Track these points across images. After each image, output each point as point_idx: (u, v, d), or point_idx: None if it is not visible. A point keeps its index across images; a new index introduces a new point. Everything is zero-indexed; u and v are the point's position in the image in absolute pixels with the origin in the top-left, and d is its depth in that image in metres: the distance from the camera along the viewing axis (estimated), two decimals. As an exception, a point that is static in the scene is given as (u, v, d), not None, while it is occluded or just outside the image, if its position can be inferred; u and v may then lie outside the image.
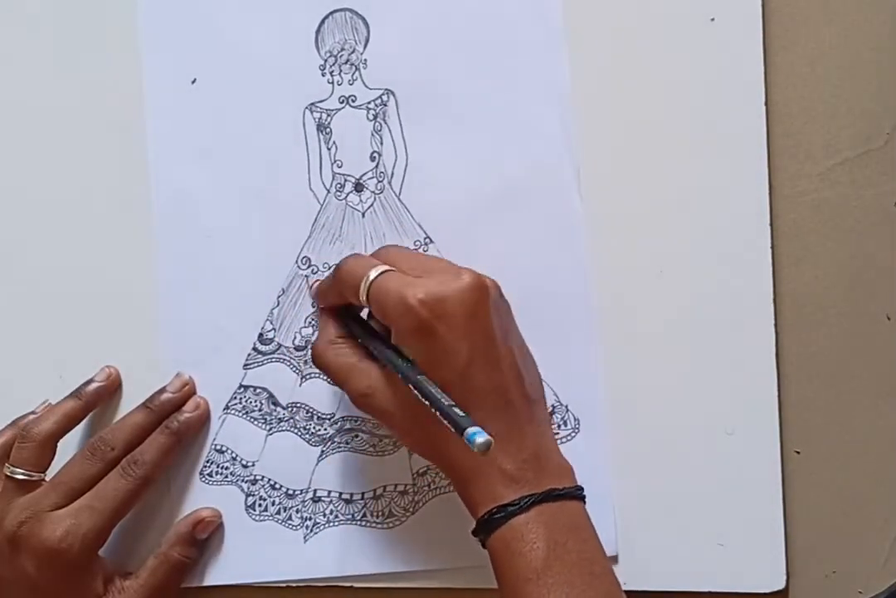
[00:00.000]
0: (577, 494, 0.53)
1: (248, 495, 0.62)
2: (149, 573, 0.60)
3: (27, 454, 0.60)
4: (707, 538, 0.57)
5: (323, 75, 0.62)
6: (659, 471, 0.58)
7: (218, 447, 0.63)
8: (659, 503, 0.58)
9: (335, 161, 0.62)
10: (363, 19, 0.62)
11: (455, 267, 0.55)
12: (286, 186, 0.62)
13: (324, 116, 0.62)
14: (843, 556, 0.57)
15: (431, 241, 0.61)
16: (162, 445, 0.60)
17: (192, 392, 0.62)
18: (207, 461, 0.63)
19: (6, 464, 0.60)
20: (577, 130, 0.59)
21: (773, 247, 0.58)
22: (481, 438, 0.48)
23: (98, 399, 0.62)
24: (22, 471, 0.60)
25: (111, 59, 0.65)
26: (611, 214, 0.59)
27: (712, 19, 0.58)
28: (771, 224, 0.58)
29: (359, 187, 0.62)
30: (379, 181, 0.62)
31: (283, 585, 0.62)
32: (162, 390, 0.62)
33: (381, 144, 0.61)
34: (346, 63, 0.62)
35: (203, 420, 0.62)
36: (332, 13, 0.62)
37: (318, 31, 0.62)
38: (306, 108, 0.62)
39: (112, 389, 0.63)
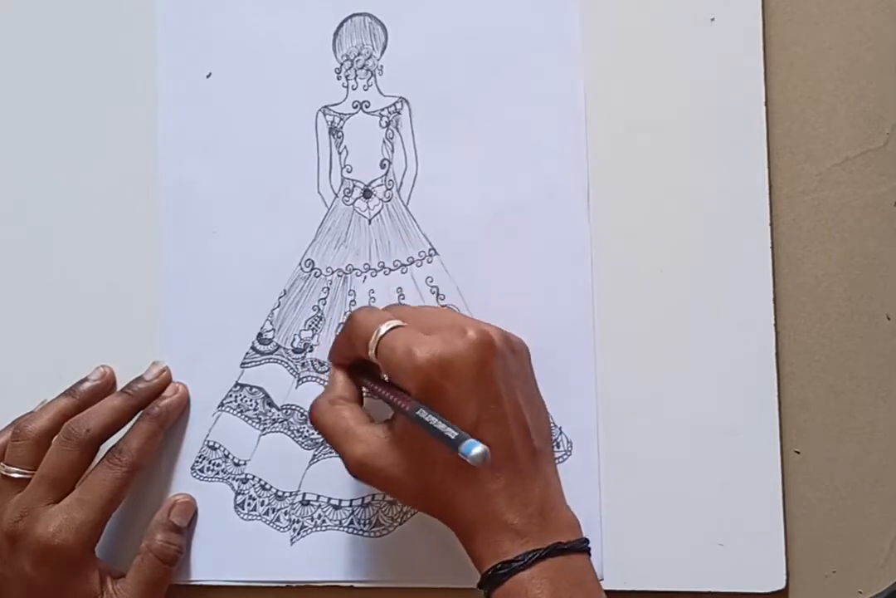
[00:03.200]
0: (582, 547, 0.53)
1: (237, 494, 0.62)
2: (135, 569, 0.60)
3: (22, 452, 0.60)
4: (707, 538, 0.57)
5: (338, 79, 0.62)
6: (659, 471, 0.58)
7: (211, 444, 0.63)
8: (659, 503, 0.58)
9: (345, 166, 0.62)
10: (382, 25, 0.62)
11: (461, 323, 0.54)
12: (294, 187, 0.62)
13: (336, 119, 0.62)
14: (843, 556, 0.57)
15: (436, 252, 0.61)
16: (144, 431, 0.60)
17: (169, 379, 0.62)
18: (199, 457, 0.63)
19: (1, 463, 0.60)
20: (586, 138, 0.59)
21: (773, 247, 0.58)
22: (477, 449, 0.48)
23: (92, 397, 0.62)
24: (17, 469, 0.60)
25: (126, 50, 0.65)
26: (611, 214, 0.59)
27: (712, 19, 0.58)
28: (771, 224, 0.58)
29: (367, 194, 0.62)
30: (387, 189, 0.62)
31: (284, 585, 0.62)
32: (140, 379, 0.62)
33: (392, 151, 0.61)
34: (362, 68, 0.62)
35: (182, 405, 0.62)
36: (351, 17, 0.62)
37: (336, 34, 0.62)
38: (319, 110, 0.62)
39: (106, 388, 0.63)
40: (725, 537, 0.57)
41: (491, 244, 0.60)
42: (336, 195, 0.62)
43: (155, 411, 0.61)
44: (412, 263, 0.61)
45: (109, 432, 0.60)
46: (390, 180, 0.61)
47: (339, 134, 0.62)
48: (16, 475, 0.60)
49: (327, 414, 0.56)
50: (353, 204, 0.62)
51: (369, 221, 0.62)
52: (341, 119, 0.62)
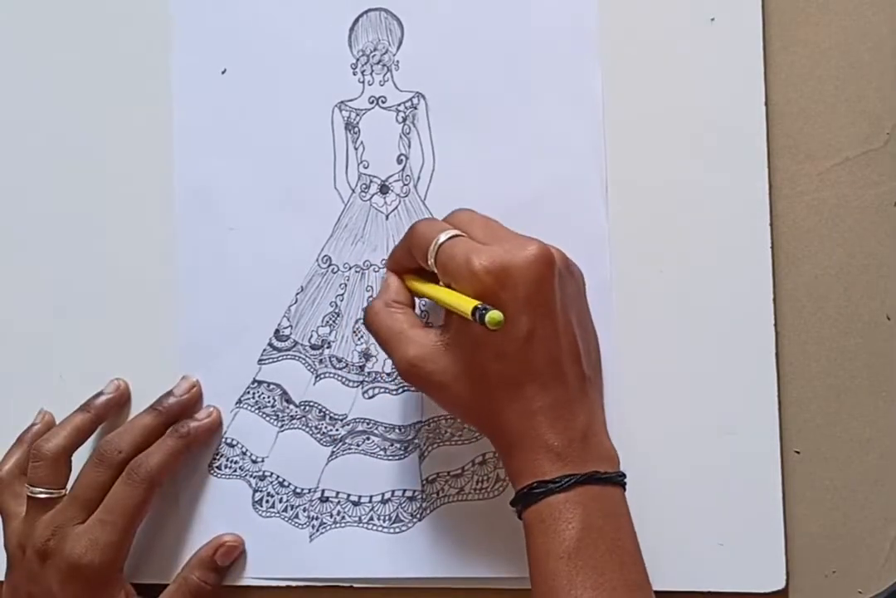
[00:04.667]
0: (618, 480, 0.53)
1: (255, 491, 0.62)
2: (168, 597, 0.60)
3: (43, 473, 0.60)
4: (707, 538, 0.57)
5: (354, 74, 0.62)
6: (659, 471, 0.58)
7: (229, 441, 0.63)
8: (659, 503, 0.58)
9: (361, 161, 0.62)
10: (398, 20, 0.62)
11: (523, 237, 0.54)
12: (311, 183, 0.63)
13: (353, 115, 0.62)
14: (843, 556, 0.57)
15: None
16: (170, 448, 0.60)
17: (199, 394, 0.62)
18: (217, 454, 0.63)
19: (25, 485, 0.60)
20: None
21: (773, 247, 0.58)
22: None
23: (107, 412, 0.63)
24: (42, 490, 0.60)
25: (141, 47, 0.65)
26: (623, 210, 0.59)
27: (712, 19, 0.58)
28: (771, 224, 0.58)
29: (384, 189, 0.62)
30: (405, 184, 0.62)
31: (284, 584, 0.62)
32: (169, 393, 0.62)
33: (409, 147, 0.61)
34: (378, 63, 0.62)
35: (214, 429, 0.62)
36: (366, 12, 0.62)
37: (351, 30, 0.62)
38: (335, 106, 0.62)
39: (121, 401, 0.63)
40: (725, 537, 0.57)
41: None
42: (353, 191, 0.62)
43: (184, 430, 0.61)
44: None
45: (141, 451, 0.60)
46: (407, 176, 0.61)
47: (356, 130, 0.62)
48: (42, 495, 0.60)
49: (381, 314, 0.56)
50: (370, 200, 0.62)
51: (386, 217, 0.62)
52: (357, 115, 0.62)
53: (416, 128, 0.61)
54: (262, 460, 0.62)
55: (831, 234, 0.58)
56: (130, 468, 0.59)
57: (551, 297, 0.52)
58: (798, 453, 0.58)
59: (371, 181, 0.62)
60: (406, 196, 0.61)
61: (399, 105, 0.62)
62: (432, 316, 0.59)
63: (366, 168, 0.62)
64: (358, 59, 0.62)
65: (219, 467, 0.63)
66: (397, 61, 0.62)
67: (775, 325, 0.57)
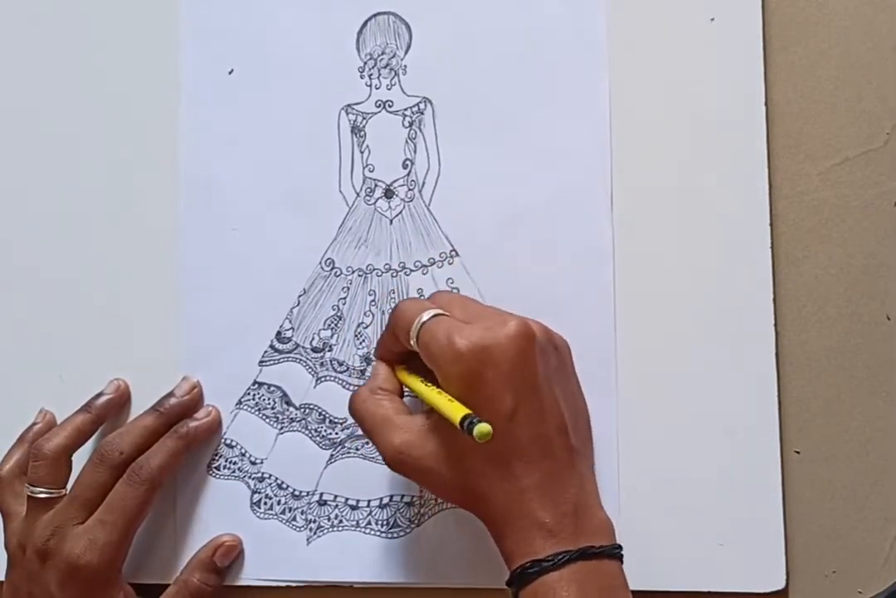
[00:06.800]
0: (614, 553, 0.52)
1: (254, 492, 0.62)
2: None
3: (43, 473, 0.60)
4: (707, 538, 0.57)
5: (361, 78, 0.62)
6: (659, 471, 0.58)
7: (228, 442, 0.63)
8: (659, 503, 0.58)
9: (367, 165, 0.62)
10: (406, 25, 0.62)
11: (503, 314, 0.54)
12: (315, 185, 0.62)
13: (359, 118, 0.62)
14: (843, 556, 0.57)
15: (457, 254, 0.61)
16: (170, 449, 0.60)
17: (200, 395, 0.62)
18: (216, 455, 0.63)
19: (26, 485, 0.60)
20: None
21: (773, 247, 0.58)
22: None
23: (108, 412, 0.63)
24: (42, 489, 0.60)
25: (149, 47, 0.65)
26: (624, 215, 0.59)
27: (712, 19, 0.58)
28: (771, 224, 0.58)
29: (388, 193, 0.62)
30: (409, 189, 0.61)
31: (283, 584, 0.62)
32: (170, 395, 0.62)
33: (415, 152, 0.61)
34: (385, 67, 0.62)
35: (214, 429, 0.62)
36: (375, 16, 0.62)
37: (359, 33, 0.62)
38: (342, 109, 0.62)
39: (121, 401, 0.63)
40: (725, 537, 0.57)
41: (513, 246, 0.60)
42: (357, 194, 0.62)
43: (183, 431, 0.61)
44: (433, 264, 0.61)
45: (141, 452, 0.60)
46: (412, 181, 0.61)
47: (362, 133, 0.62)
48: (42, 495, 0.60)
49: (367, 402, 0.56)
50: (374, 204, 0.62)
51: (390, 221, 0.62)
52: (364, 118, 0.62)
53: (422, 133, 0.61)
54: (261, 462, 0.62)
55: (831, 234, 0.58)
56: (132, 470, 0.59)
57: (534, 372, 0.52)
58: (798, 453, 0.58)
59: (376, 185, 0.62)
60: (410, 201, 0.61)
61: (406, 109, 0.62)
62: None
63: (371, 172, 0.62)
64: (366, 63, 0.62)
65: (217, 468, 0.63)
66: (405, 66, 0.62)
67: (775, 325, 0.57)
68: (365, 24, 0.62)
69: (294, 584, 0.62)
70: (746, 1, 0.58)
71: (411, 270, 0.61)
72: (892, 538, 0.57)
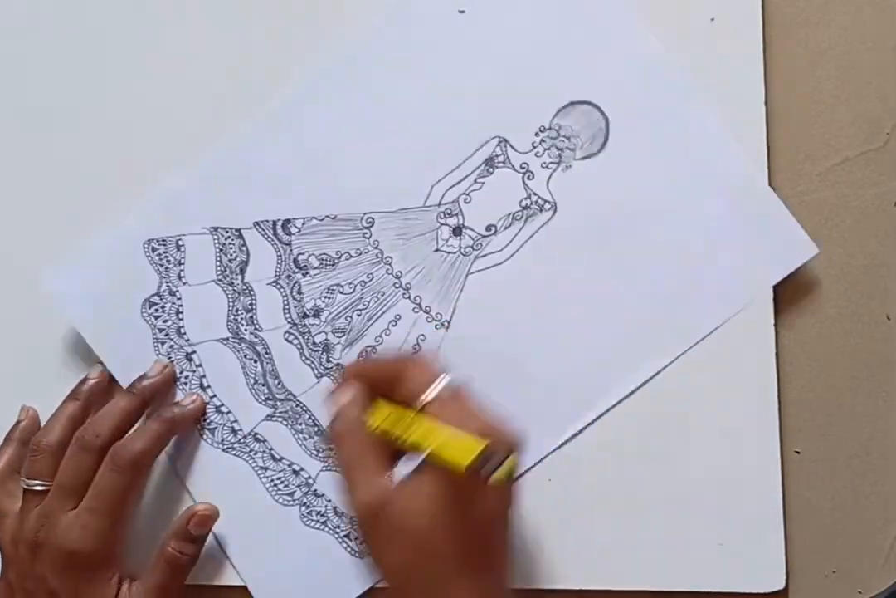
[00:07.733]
0: None
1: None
2: (149, 573, 0.60)
3: (41, 465, 0.60)
4: (707, 538, 0.57)
5: (536, 134, 0.59)
6: (659, 471, 0.58)
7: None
8: (659, 503, 0.58)
9: (469, 194, 0.60)
10: (606, 136, 0.59)
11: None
12: (410, 171, 0.60)
13: (502, 157, 0.59)
14: (843, 556, 0.57)
15: (448, 327, 0.60)
16: (154, 432, 0.59)
17: (172, 374, 0.62)
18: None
19: (22, 478, 0.60)
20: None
21: (773, 247, 0.58)
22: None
23: (94, 397, 0.62)
24: (38, 482, 0.59)
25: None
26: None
27: (712, 19, 0.58)
28: (771, 224, 0.58)
29: (457, 231, 0.59)
30: (469, 246, 0.59)
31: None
32: (143, 376, 0.61)
33: (502, 229, 0.59)
34: (556, 149, 0.59)
35: (198, 416, 0.62)
36: (586, 103, 0.59)
37: (571, 105, 0.59)
38: (498, 137, 0.59)
39: (105, 383, 0.63)
40: (725, 537, 0.57)
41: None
42: (438, 204, 0.60)
43: (167, 416, 0.60)
44: (427, 311, 0.60)
45: (121, 434, 0.60)
46: (477, 245, 0.60)
47: (491, 169, 0.59)
48: (38, 488, 0.59)
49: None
50: (439, 224, 0.60)
51: (435, 250, 0.60)
52: (505, 161, 0.59)
53: (524, 223, 0.59)
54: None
55: (831, 234, 0.58)
56: (113, 454, 0.58)
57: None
58: (798, 453, 0.58)
59: (455, 213, 0.60)
60: (462, 254, 0.60)
61: (534, 195, 0.59)
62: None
63: (466, 202, 0.60)
64: (550, 128, 0.59)
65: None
66: (571, 166, 0.59)
67: (775, 325, 0.57)
68: (574, 104, 0.59)
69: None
70: (746, 1, 0.58)
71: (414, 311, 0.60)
72: (892, 538, 0.57)
